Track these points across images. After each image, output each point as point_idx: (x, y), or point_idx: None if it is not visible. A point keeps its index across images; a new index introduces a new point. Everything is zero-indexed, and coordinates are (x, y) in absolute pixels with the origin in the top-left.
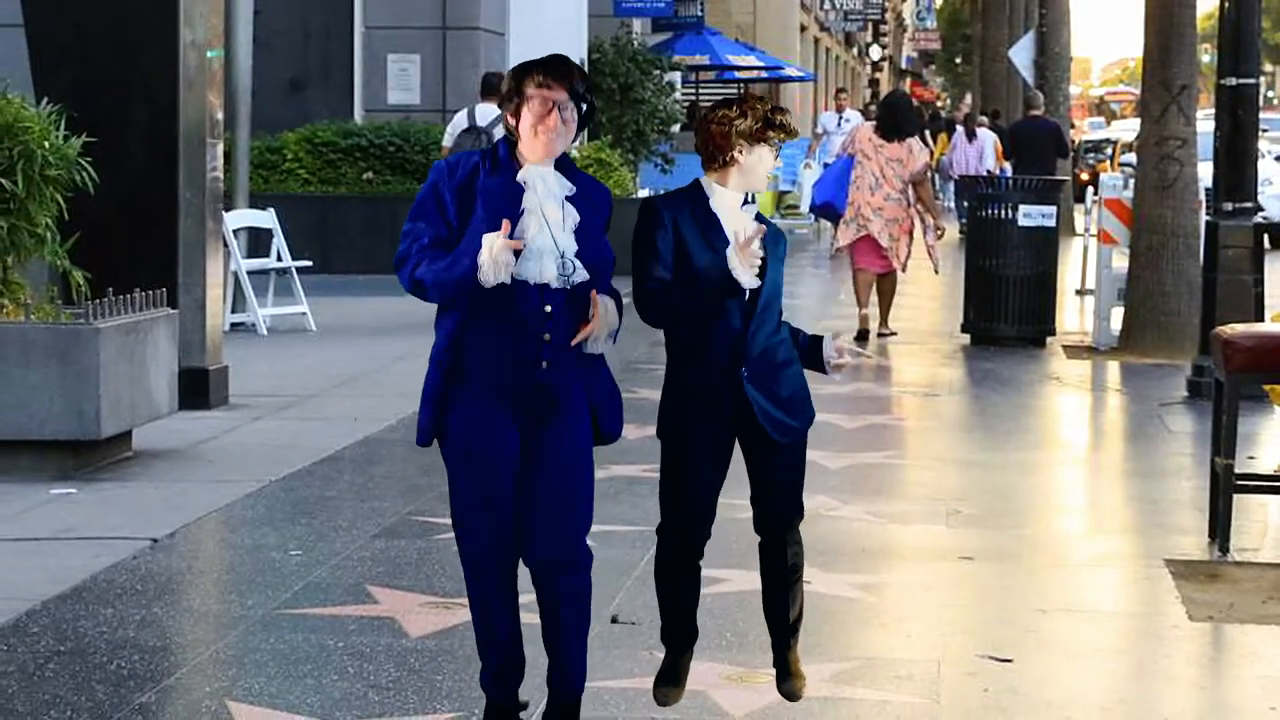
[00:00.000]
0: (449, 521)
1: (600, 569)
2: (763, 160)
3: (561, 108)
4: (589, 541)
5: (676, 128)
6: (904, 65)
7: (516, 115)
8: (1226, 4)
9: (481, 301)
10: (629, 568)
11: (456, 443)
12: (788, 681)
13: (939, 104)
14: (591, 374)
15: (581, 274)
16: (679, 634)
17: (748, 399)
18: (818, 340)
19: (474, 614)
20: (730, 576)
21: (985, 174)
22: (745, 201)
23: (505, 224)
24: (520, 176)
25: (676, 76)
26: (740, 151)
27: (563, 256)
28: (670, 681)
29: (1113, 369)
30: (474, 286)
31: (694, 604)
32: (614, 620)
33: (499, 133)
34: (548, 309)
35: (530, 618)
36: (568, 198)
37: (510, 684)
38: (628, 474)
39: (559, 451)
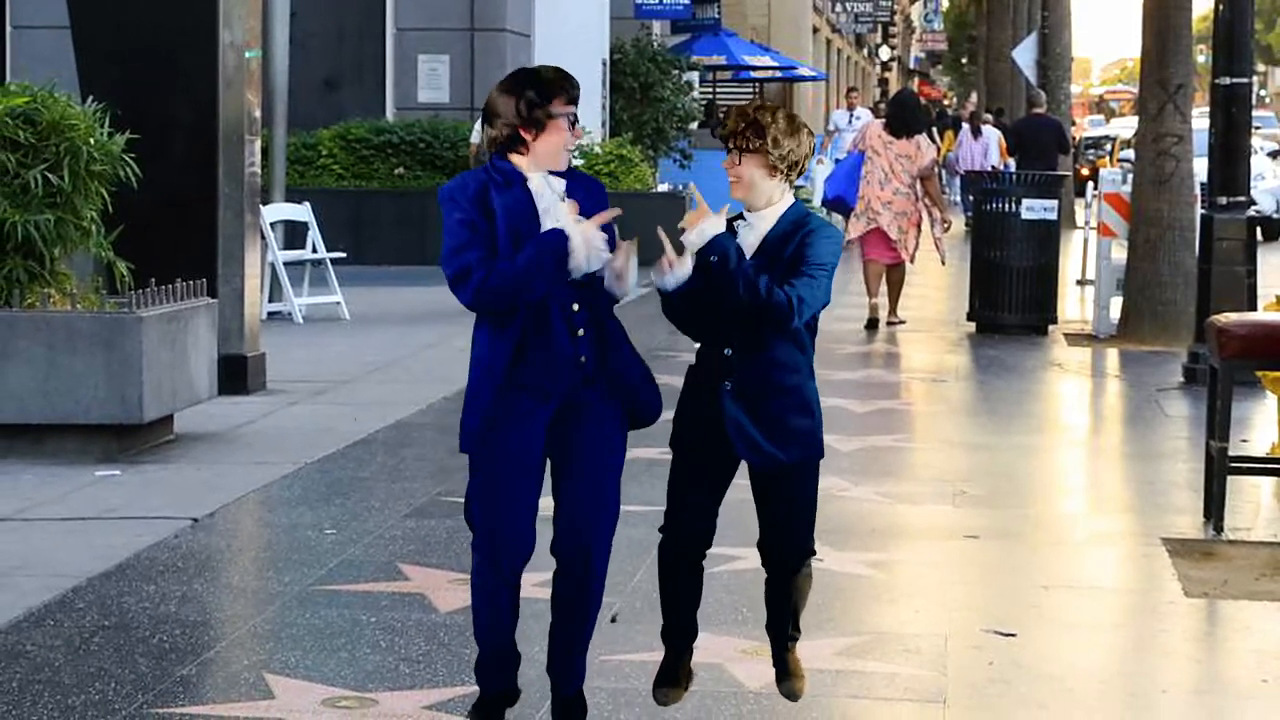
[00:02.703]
0: None
1: (621, 547)
2: (737, 171)
3: (576, 119)
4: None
5: (694, 125)
6: (912, 65)
7: (538, 133)
8: (1221, 6)
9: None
10: (650, 546)
11: (485, 440)
12: (787, 681)
13: (946, 102)
14: (623, 361)
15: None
16: (678, 631)
17: (724, 413)
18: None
19: (476, 603)
20: (745, 554)
21: (990, 169)
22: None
23: (574, 204)
24: (533, 187)
25: (694, 76)
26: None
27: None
28: (670, 682)
29: (1112, 356)
30: (558, 267)
31: (694, 605)
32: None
33: None
34: (575, 307)
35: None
36: (566, 194)
37: (507, 674)
38: (648, 456)
39: (588, 446)
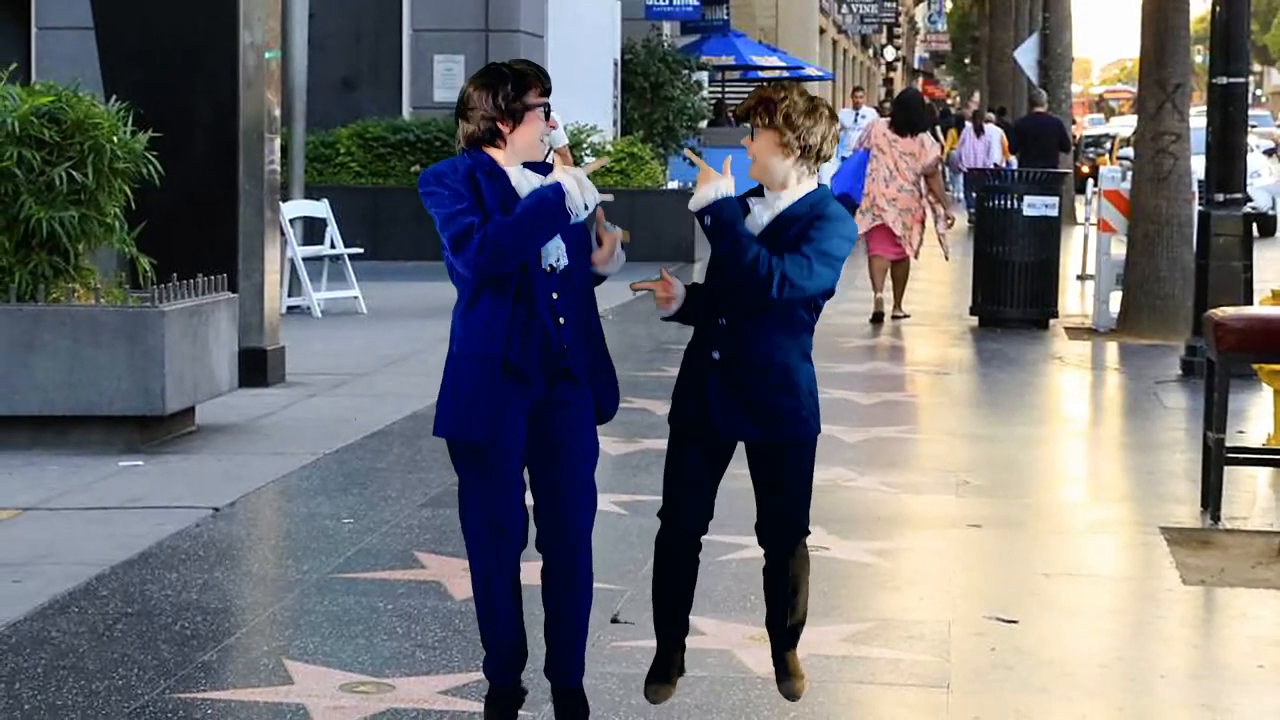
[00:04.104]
0: None
1: (632, 534)
2: (752, 149)
3: (550, 110)
4: (618, 510)
5: (704, 124)
6: (916, 65)
7: (515, 124)
8: (1218, 8)
9: (505, 294)
10: None
11: (486, 427)
12: (787, 681)
13: (949, 101)
14: (595, 354)
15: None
16: (670, 626)
17: (708, 384)
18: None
19: (478, 607)
20: (753, 543)
21: (992, 167)
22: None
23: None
24: (513, 182)
25: (704, 76)
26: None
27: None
28: (661, 678)
29: (1111, 349)
30: (556, 214)
31: (687, 598)
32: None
33: None
34: (555, 295)
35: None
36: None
37: (513, 671)
38: (658, 447)
39: (566, 440)
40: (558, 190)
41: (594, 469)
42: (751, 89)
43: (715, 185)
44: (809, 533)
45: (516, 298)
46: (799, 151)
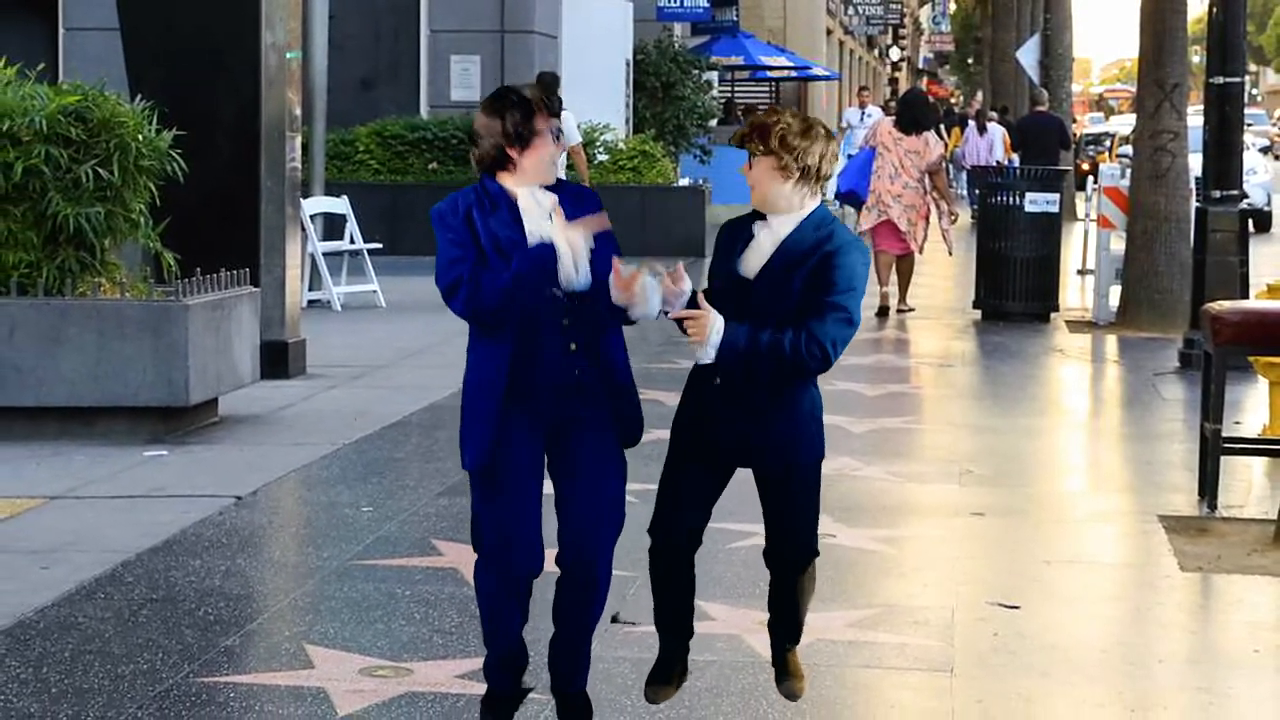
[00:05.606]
0: None
1: (641, 521)
2: (751, 177)
3: (559, 133)
4: (629, 498)
5: (714, 122)
6: (921, 65)
7: (523, 149)
8: (1215, 9)
9: (508, 328)
10: None
11: (491, 458)
12: (787, 681)
13: (953, 100)
14: (615, 381)
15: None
16: (670, 629)
17: (712, 412)
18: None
19: (482, 613)
20: (758, 530)
21: (995, 164)
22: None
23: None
24: (521, 205)
25: (713, 75)
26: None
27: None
28: (662, 680)
29: (1111, 342)
30: (541, 282)
31: (686, 604)
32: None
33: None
34: (565, 322)
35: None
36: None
37: (513, 676)
38: (666, 437)
39: (588, 458)
40: (547, 254)
41: (618, 488)
42: (760, 89)
43: (710, 327)
44: (819, 554)
45: (521, 330)
46: (798, 173)
